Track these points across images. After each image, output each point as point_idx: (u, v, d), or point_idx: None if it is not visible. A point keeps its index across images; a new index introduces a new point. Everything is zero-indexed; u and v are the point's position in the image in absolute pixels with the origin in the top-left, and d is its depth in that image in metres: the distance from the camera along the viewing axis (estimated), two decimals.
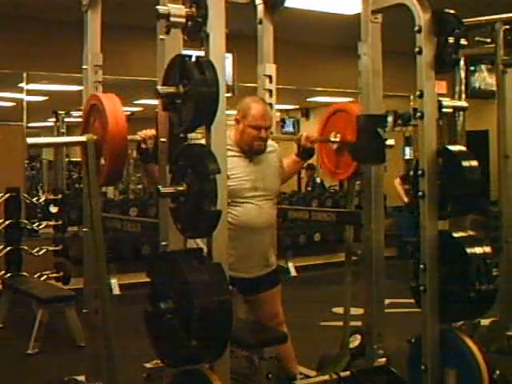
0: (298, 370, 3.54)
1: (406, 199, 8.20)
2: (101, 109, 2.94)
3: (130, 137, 2.95)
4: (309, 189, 10.33)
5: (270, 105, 3.74)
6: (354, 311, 3.64)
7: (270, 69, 3.73)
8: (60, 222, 6.08)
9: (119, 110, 2.92)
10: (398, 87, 7.74)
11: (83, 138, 3.01)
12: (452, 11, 2.99)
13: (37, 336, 4.84)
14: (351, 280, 3.58)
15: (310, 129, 12.56)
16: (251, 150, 3.30)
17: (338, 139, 3.54)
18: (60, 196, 6.21)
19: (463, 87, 5.06)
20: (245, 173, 3.26)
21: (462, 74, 5.06)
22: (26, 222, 6.19)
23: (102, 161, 2.95)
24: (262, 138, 3.28)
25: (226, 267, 2.40)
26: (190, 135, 2.59)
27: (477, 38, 4.60)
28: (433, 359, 2.92)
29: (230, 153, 2.94)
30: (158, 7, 2.39)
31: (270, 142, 3.45)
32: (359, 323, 3.56)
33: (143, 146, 2.96)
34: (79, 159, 3.21)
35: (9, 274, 5.73)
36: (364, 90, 3.37)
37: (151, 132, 2.94)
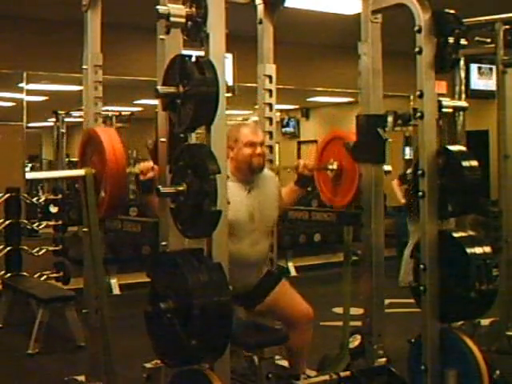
0: (305, 371, 3.53)
1: (403, 200, 8.18)
2: (98, 144, 2.96)
3: (128, 169, 3.00)
4: (309, 189, 10.32)
5: (270, 105, 3.75)
6: (354, 311, 3.64)
7: (270, 69, 3.73)
8: (60, 222, 6.08)
9: (117, 144, 2.95)
10: (398, 87, 7.74)
11: (82, 172, 3.04)
12: (452, 11, 2.99)
13: (37, 336, 4.84)
14: (350, 280, 3.58)
15: (310, 129, 12.60)
16: (251, 169, 3.26)
17: (335, 167, 3.56)
18: (60, 196, 6.21)
19: (463, 87, 5.06)
20: (242, 202, 3.22)
21: (462, 74, 5.06)
22: (25, 222, 6.20)
23: (103, 193, 2.97)
24: (259, 154, 3.26)
25: (226, 267, 2.40)
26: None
27: (477, 38, 4.60)
28: (433, 359, 2.92)
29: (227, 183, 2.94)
30: (157, 7, 2.39)
31: (267, 171, 3.47)
32: (359, 323, 3.55)
33: (142, 177, 2.96)
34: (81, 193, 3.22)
35: (9, 274, 5.73)
36: (364, 90, 3.37)
37: (149, 164, 2.95)
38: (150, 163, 2.95)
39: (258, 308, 3.40)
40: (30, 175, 3.42)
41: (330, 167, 3.57)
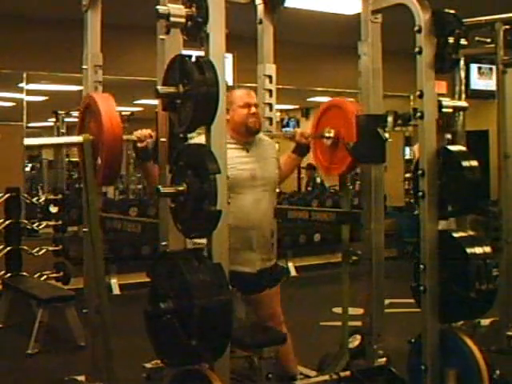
0: (298, 369, 3.54)
1: None
2: (95, 109, 2.94)
3: (125, 137, 2.96)
4: (309, 189, 10.33)
5: (270, 105, 3.75)
6: (354, 311, 3.64)
7: (270, 69, 3.73)
8: (60, 222, 6.07)
9: (113, 110, 2.93)
10: (398, 87, 7.74)
11: (80, 139, 3.03)
12: (452, 11, 2.99)
13: (37, 336, 4.83)
14: (349, 280, 3.58)
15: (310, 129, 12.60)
16: (248, 130, 3.30)
17: (331, 135, 3.53)
18: (60, 196, 6.20)
19: (463, 87, 5.05)
20: (242, 162, 3.26)
21: (462, 74, 5.06)
22: (26, 222, 6.19)
23: (99, 160, 2.95)
24: (253, 114, 3.31)
25: (226, 267, 2.40)
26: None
27: (477, 38, 4.60)
28: (433, 359, 2.92)
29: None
30: (157, 7, 2.39)
31: (266, 138, 3.50)
32: (359, 323, 3.56)
33: (139, 145, 2.95)
34: (79, 159, 3.22)
35: (9, 274, 5.72)
36: (364, 90, 3.37)
37: (147, 131, 2.95)
38: (148, 130, 2.94)
39: (248, 297, 3.42)
40: (28, 141, 3.41)
41: (327, 135, 3.54)
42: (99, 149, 2.94)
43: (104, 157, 2.90)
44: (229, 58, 6.94)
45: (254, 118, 3.31)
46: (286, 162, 3.63)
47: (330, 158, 3.59)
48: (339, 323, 3.64)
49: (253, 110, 3.31)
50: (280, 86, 3.80)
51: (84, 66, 3.48)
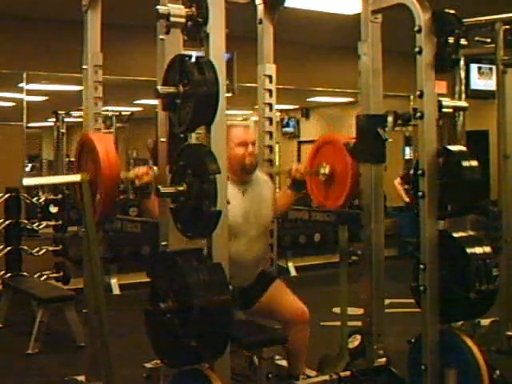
0: (304, 371, 3.53)
1: (406, 199, 8.19)
2: (93, 150, 3.00)
3: (123, 175, 3.02)
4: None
5: (270, 105, 3.75)
6: (354, 311, 3.64)
7: (270, 69, 3.73)
8: (60, 222, 6.08)
9: (111, 150, 2.99)
10: (398, 87, 7.74)
11: (78, 178, 3.09)
12: (452, 11, 2.99)
13: (37, 336, 4.84)
14: (347, 281, 3.59)
15: (310, 129, 12.60)
16: (244, 169, 3.29)
17: (326, 171, 3.58)
18: (60, 196, 6.21)
19: (463, 87, 5.05)
20: (236, 207, 3.20)
21: (462, 74, 5.06)
22: (26, 222, 6.20)
23: (98, 196, 3.02)
24: (251, 153, 3.30)
25: (226, 267, 2.40)
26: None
27: (477, 38, 4.60)
28: (433, 359, 2.92)
29: None
30: (157, 7, 2.39)
31: (262, 174, 3.50)
32: (359, 323, 3.56)
33: (137, 182, 2.97)
34: (77, 196, 3.26)
35: (9, 274, 5.73)
36: (364, 90, 3.37)
37: (144, 168, 2.98)
38: (145, 167, 2.99)
39: (254, 309, 3.41)
40: (26, 181, 3.46)
41: (322, 171, 3.59)
42: (97, 186, 3.01)
43: (103, 196, 2.97)
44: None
45: (250, 157, 3.30)
46: (282, 197, 3.64)
47: (325, 193, 3.65)
48: (339, 323, 3.64)
49: (250, 148, 3.30)
50: (280, 86, 3.80)
51: (84, 66, 3.48)
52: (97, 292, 3.08)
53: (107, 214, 3.12)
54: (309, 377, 3.49)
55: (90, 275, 3.21)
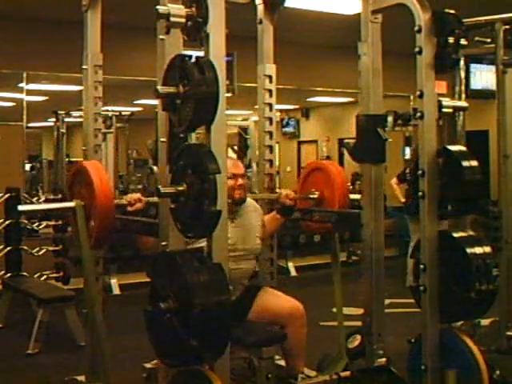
0: (303, 370, 3.53)
1: (402, 199, 8.17)
2: (87, 179, 3.04)
3: (116, 201, 3.07)
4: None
5: (270, 105, 3.75)
6: (354, 311, 3.64)
7: (270, 69, 3.73)
8: (60, 222, 6.08)
9: (104, 179, 3.03)
10: (398, 87, 7.75)
11: (72, 204, 3.14)
12: (452, 11, 2.99)
13: (37, 336, 4.84)
14: (340, 281, 3.63)
15: (310, 129, 12.61)
16: (234, 202, 3.31)
17: (316, 196, 3.66)
18: (60, 196, 6.21)
19: (463, 87, 5.05)
20: None
21: (462, 74, 5.06)
22: (26, 222, 6.20)
23: (92, 222, 3.06)
24: (240, 186, 3.36)
25: (226, 267, 2.40)
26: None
27: (477, 38, 4.59)
28: (433, 359, 2.92)
29: None
30: (157, 7, 2.39)
31: (252, 201, 3.54)
32: (359, 323, 3.55)
33: (130, 208, 3.04)
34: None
35: (9, 274, 5.73)
36: (364, 90, 3.36)
37: (136, 195, 3.08)
38: (137, 194, 3.08)
39: (250, 319, 3.40)
40: (21, 208, 3.53)
41: (312, 196, 3.67)
42: (91, 212, 3.05)
43: (97, 223, 3.01)
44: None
45: (240, 189, 3.36)
46: (270, 221, 3.68)
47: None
48: None
49: (239, 181, 3.35)
50: (280, 86, 3.80)
51: (84, 66, 3.49)
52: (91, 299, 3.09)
53: (102, 241, 3.15)
54: (308, 377, 3.49)
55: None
